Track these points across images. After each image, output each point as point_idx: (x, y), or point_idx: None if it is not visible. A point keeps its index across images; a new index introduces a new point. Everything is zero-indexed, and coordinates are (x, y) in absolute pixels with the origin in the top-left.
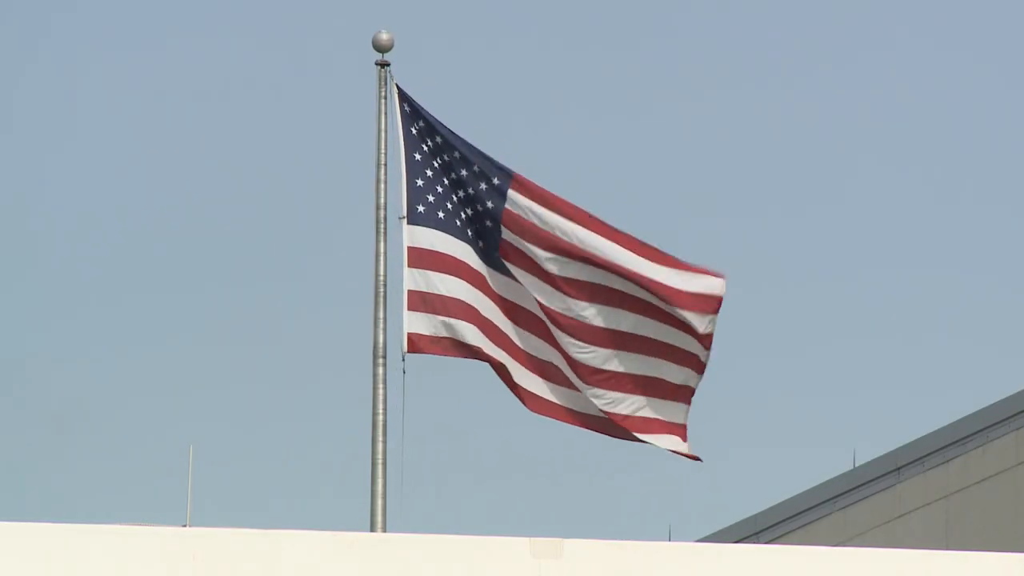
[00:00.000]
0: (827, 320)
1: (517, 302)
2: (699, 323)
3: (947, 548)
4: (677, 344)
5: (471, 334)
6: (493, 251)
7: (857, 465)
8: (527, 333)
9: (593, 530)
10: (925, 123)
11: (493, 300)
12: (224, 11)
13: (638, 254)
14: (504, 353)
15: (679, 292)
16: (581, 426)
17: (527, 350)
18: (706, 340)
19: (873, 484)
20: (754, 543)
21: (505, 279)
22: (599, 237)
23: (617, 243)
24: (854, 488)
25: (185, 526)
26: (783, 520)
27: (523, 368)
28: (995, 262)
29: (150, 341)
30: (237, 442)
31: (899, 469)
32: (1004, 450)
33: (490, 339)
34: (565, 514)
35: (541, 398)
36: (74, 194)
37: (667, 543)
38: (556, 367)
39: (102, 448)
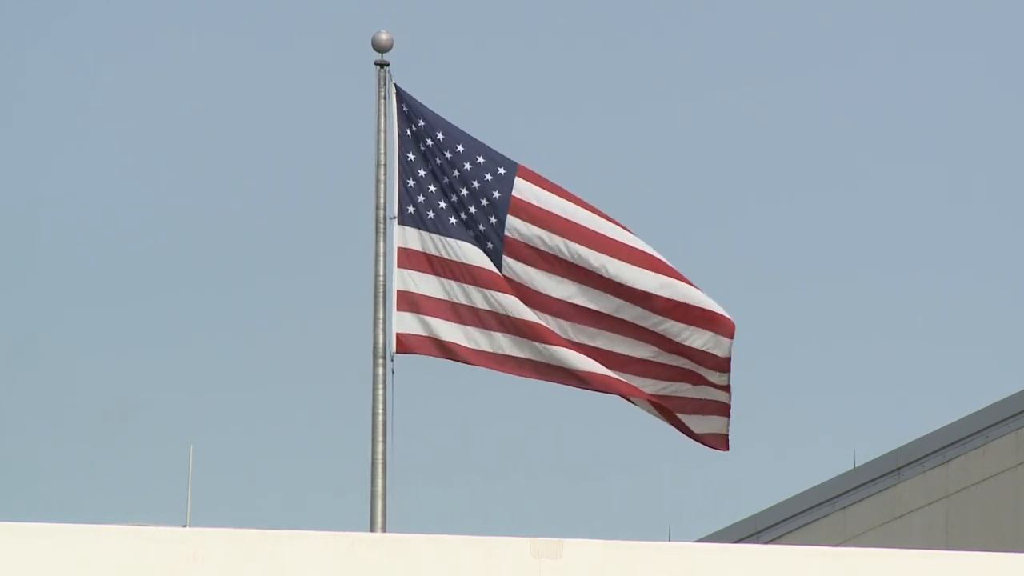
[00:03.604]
0: (827, 320)
1: (537, 289)
2: (718, 347)
3: (947, 548)
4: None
5: (460, 335)
6: (499, 244)
7: (857, 465)
8: (550, 316)
9: (593, 530)
10: (927, 123)
11: (505, 291)
12: (224, 11)
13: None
14: (522, 341)
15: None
16: (612, 389)
17: (556, 331)
18: (724, 364)
19: (873, 484)
20: (754, 543)
21: (515, 269)
22: (605, 255)
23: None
24: (854, 488)
25: (185, 526)
26: (783, 520)
27: (548, 347)
28: (995, 262)
29: (150, 341)
30: (237, 442)
31: (899, 469)
32: (1004, 450)
33: (491, 334)
34: (565, 514)
35: (571, 370)
36: (73, 194)
37: (667, 543)
38: (593, 347)
39: (102, 448)
